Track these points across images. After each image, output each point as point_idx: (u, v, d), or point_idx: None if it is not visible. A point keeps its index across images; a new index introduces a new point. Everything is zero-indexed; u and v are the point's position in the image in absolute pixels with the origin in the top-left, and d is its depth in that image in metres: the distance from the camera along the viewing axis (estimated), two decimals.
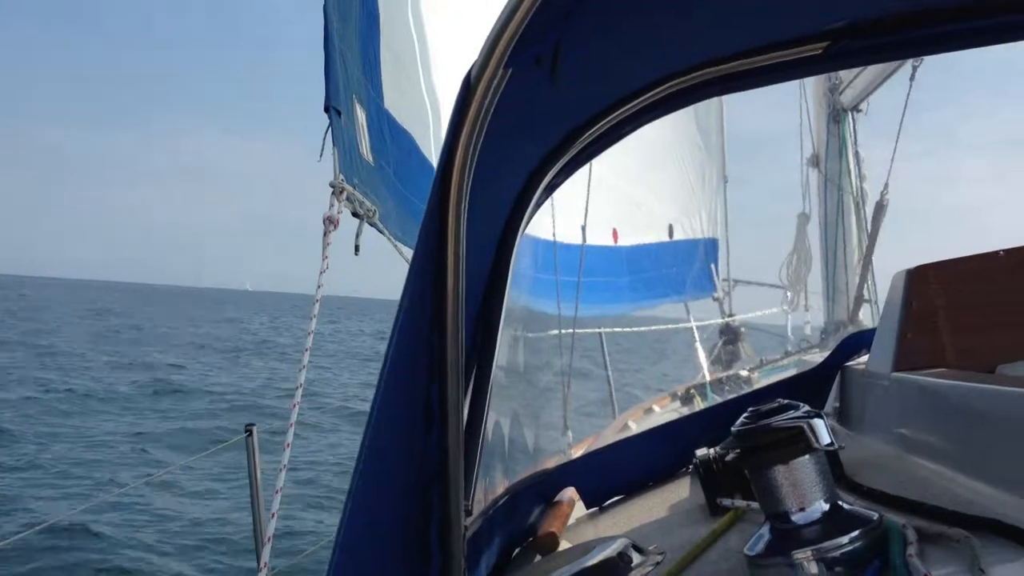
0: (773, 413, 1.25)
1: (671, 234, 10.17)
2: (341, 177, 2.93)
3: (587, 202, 6.34)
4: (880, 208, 6.54)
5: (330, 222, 2.82)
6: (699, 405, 6.82)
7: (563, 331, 5.78)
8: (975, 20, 1.70)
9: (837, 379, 2.35)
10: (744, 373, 8.30)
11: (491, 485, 1.96)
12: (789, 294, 8.99)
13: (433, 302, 1.21)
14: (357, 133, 3.24)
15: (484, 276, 1.61)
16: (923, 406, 1.71)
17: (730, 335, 10.40)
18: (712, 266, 10.72)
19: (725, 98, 10.56)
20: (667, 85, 1.72)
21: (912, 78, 6.14)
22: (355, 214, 3.10)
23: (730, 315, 10.62)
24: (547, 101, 1.52)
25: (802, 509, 1.21)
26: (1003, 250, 1.96)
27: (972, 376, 1.65)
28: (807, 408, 1.25)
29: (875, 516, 1.20)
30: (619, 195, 9.39)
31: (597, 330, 8.30)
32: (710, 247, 10.77)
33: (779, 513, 1.23)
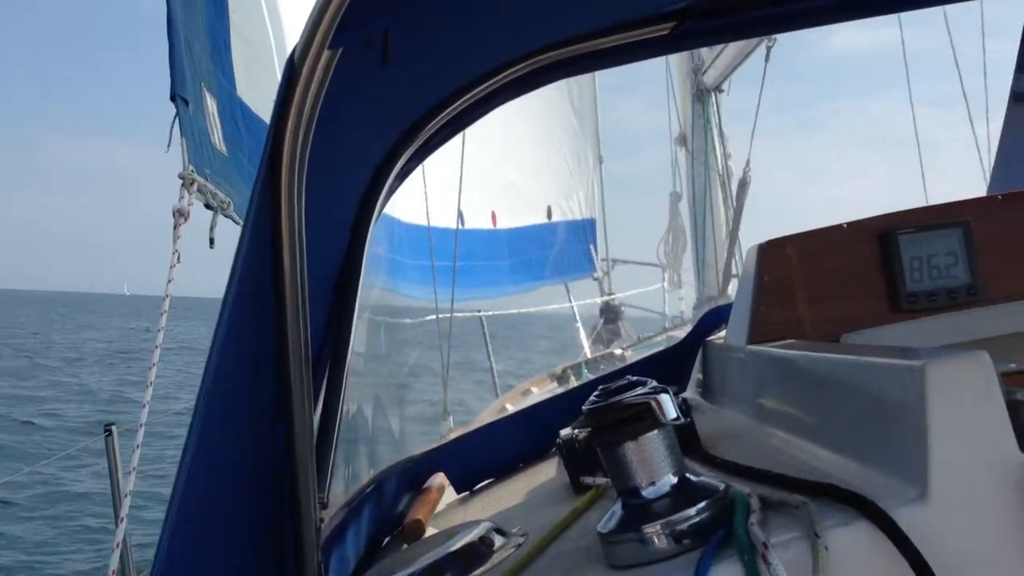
0: (622, 390, 1.25)
1: (550, 215, 10.28)
2: (191, 168, 2.85)
3: (460, 186, 6.32)
4: (743, 185, 6.82)
5: (180, 214, 2.73)
6: (575, 385, 6.93)
7: (440, 316, 5.76)
8: None
9: (700, 353, 2.39)
10: (619, 351, 8.47)
11: (358, 475, 1.94)
12: (667, 272, 9.22)
13: (273, 294, 1.18)
14: (208, 122, 3.15)
15: (336, 265, 1.58)
16: (774, 377, 1.76)
17: (610, 314, 10.59)
18: (591, 246, 10.88)
19: (599, 78, 10.73)
20: (517, 67, 1.71)
21: (767, 59, 6.48)
22: (208, 206, 3.01)
23: (610, 294, 10.81)
24: (391, 85, 1.49)
25: (652, 483, 1.22)
26: (846, 223, 2.03)
27: (818, 346, 1.69)
28: (655, 384, 1.26)
29: (722, 487, 1.21)
30: (497, 178, 9.43)
31: (477, 313, 8.32)
32: (588, 227, 10.93)
33: (630, 488, 1.24)
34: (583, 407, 1.28)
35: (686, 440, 1.69)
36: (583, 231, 10.77)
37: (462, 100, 1.70)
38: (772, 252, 2.04)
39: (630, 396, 1.23)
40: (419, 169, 1.84)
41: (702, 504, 1.18)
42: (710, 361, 2.30)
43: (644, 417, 1.21)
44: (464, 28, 1.52)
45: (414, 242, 6.21)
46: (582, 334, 10.14)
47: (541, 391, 7.10)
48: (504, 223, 9.58)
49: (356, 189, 1.62)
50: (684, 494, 1.20)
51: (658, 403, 1.21)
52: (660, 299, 10.72)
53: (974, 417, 1.07)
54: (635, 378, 1.29)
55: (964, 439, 1.07)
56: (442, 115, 1.68)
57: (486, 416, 5.85)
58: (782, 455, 1.48)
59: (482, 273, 9.01)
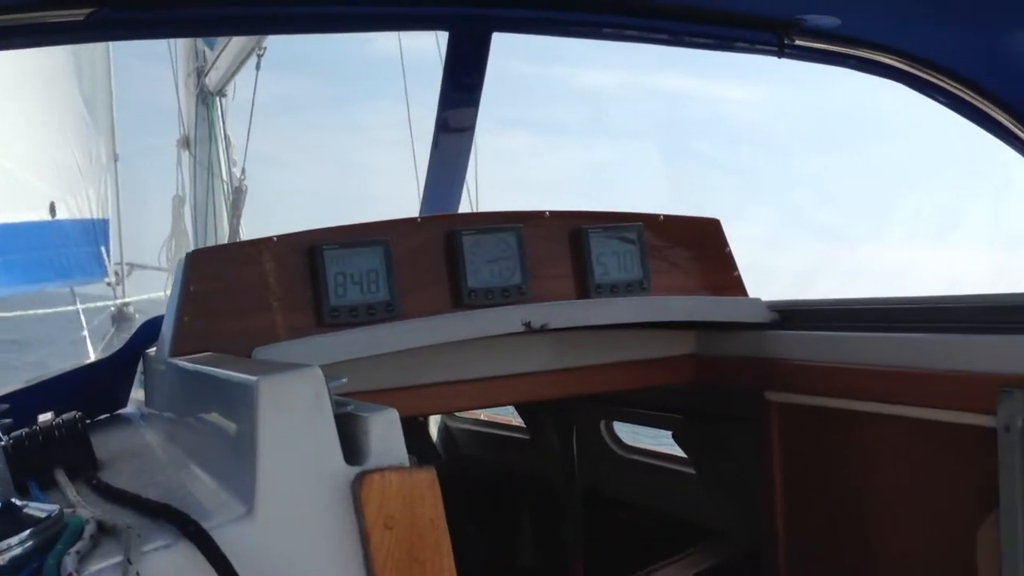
0: None
1: (53, 212, 9.39)
2: None
3: None
4: (239, 192, 6.86)
5: None
6: None
7: None
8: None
9: (142, 365, 2.29)
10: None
11: None
12: (171, 277, 8.85)
13: None
14: None
15: None
16: (183, 392, 1.72)
17: (123, 322, 9.95)
18: (103, 248, 10.12)
19: (115, 68, 10.00)
20: None
21: (258, 67, 6.67)
22: None
23: (123, 300, 10.16)
24: None
25: None
26: (277, 236, 2.05)
27: (222, 359, 1.68)
28: None
29: (55, 512, 1.13)
30: None
31: None
32: (100, 228, 10.15)
33: None
34: None
35: (76, 461, 1.59)
36: (94, 232, 9.97)
37: None
38: (200, 262, 2.01)
39: None
40: None
41: (25, 533, 1.09)
42: (148, 373, 2.22)
43: None
44: None
45: None
46: (88, 342, 9.43)
47: None
48: None
49: None
50: (8, 523, 1.11)
51: None
52: None
53: (304, 431, 1.10)
54: None
55: (293, 453, 1.09)
56: None
57: None
58: (165, 474, 1.44)
59: None
